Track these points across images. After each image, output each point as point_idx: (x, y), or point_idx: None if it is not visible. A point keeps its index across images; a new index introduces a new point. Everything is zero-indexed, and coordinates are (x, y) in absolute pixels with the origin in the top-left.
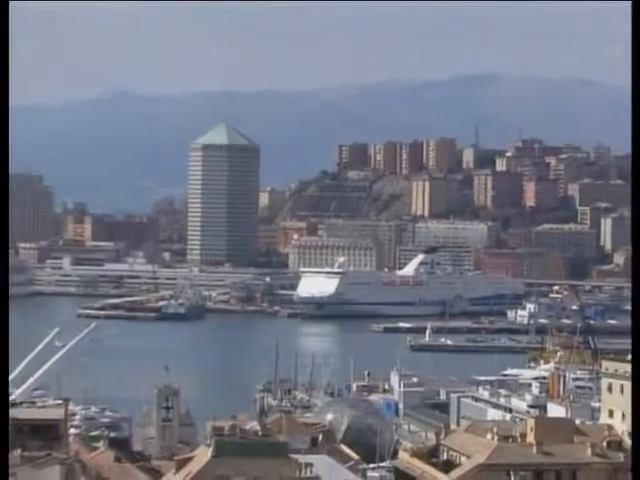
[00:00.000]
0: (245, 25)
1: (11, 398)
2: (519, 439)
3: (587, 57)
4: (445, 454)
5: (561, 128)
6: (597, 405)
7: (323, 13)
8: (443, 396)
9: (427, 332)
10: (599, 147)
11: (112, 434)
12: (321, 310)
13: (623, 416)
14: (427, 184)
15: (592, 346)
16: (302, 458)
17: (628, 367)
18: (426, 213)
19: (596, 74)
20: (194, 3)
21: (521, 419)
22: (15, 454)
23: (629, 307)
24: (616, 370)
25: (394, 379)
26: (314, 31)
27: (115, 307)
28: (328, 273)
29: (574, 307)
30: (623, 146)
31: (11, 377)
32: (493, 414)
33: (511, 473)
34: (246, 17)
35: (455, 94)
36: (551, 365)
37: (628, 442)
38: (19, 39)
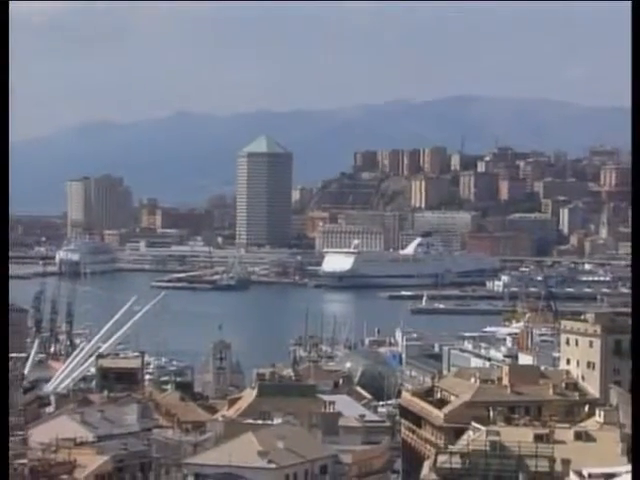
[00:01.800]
0: (279, 59)
1: (100, 351)
2: (496, 382)
3: (550, 79)
4: (439, 394)
5: (528, 138)
6: (557, 355)
7: (343, 43)
8: (437, 348)
9: (424, 299)
10: (558, 152)
11: (178, 379)
12: (341, 282)
13: (577, 363)
14: (423, 183)
15: (553, 309)
16: (326, 397)
17: (582, 325)
18: (423, 205)
19: (556, 94)
20: (235, 27)
21: (498, 366)
22: (102, 395)
23: (583, 278)
24: (572, 327)
25: (398, 335)
26: (334, 61)
27: (180, 280)
28: (346, 253)
29: (539, 278)
30: (577, 152)
31: (100, 334)
32: (476, 362)
33: (490, 408)
34: (283, 53)
35: (445, 111)
36: (521, 324)
37: (582, 384)
38: (96, 65)
